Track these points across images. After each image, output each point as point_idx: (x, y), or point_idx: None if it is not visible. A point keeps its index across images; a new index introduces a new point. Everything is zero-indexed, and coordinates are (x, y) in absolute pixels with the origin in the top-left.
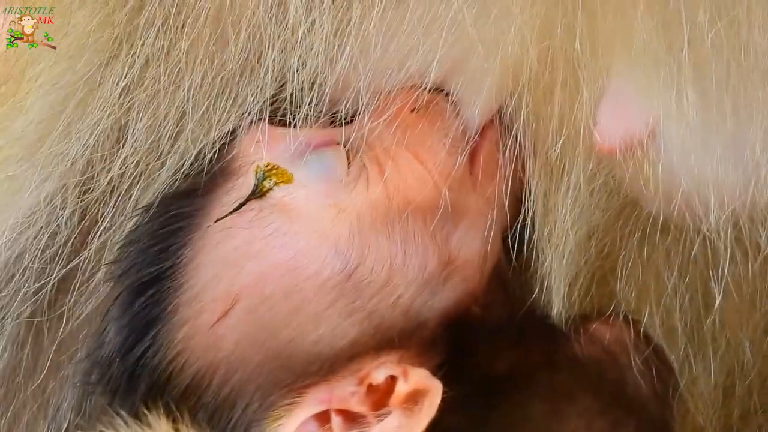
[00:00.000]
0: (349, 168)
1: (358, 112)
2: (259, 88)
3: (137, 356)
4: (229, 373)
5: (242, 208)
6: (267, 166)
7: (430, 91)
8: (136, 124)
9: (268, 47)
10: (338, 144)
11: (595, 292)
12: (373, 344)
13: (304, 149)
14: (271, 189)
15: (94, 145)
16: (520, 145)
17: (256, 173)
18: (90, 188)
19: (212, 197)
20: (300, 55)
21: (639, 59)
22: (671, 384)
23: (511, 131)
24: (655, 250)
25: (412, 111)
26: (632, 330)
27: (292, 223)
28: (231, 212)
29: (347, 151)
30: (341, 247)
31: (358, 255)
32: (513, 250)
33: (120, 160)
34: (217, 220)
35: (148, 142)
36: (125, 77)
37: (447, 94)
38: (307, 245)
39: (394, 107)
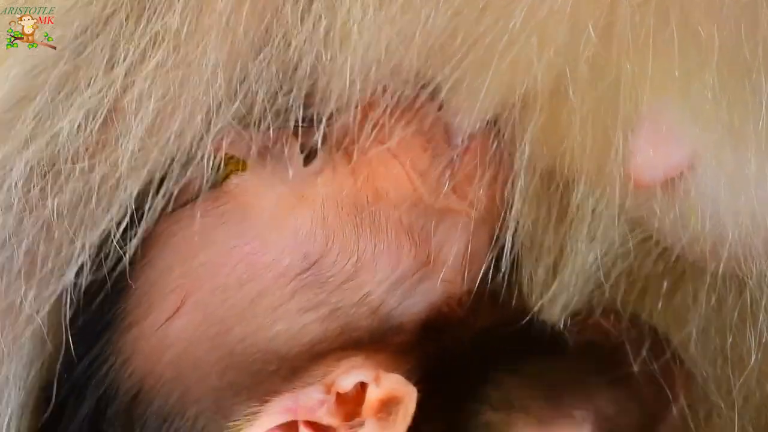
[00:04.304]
0: (315, 158)
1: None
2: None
3: (84, 369)
4: (179, 374)
5: (198, 199)
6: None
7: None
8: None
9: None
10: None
11: None
12: (338, 345)
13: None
14: (227, 177)
15: None
16: (511, 163)
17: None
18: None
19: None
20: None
21: (683, 82)
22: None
23: (503, 146)
24: (679, 291)
25: (399, 117)
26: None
27: (247, 209)
28: (184, 204)
29: (316, 142)
30: (301, 236)
31: (321, 245)
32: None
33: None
34: (170, 212)
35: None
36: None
37: (434, 95)
38: (265, 233)
39: (371, 107)
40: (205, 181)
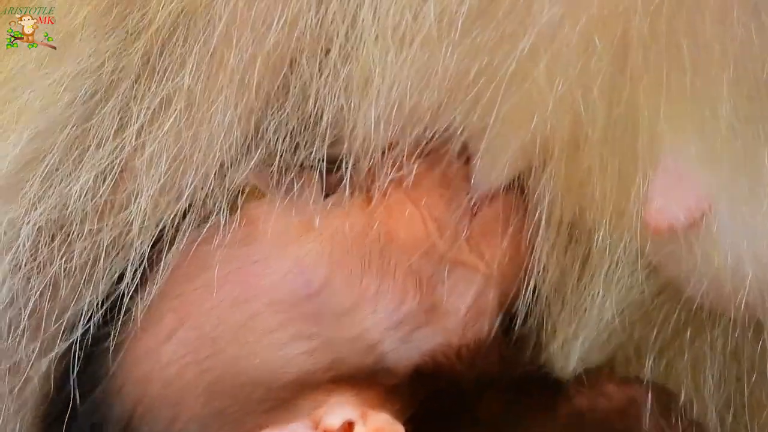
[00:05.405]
0: (333, 193)
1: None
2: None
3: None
4: (168, 400)
5: (210, 224)
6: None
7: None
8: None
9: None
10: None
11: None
12: (327, 378)
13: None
14: (242, 202)
15: None
16: (535, 220)
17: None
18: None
19: None
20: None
21: (699, 127)
22: None
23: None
24: (698, 336)
25: (417, 157)
26: (650, 392)
27: (256, 234)
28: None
29: (337, 178)
30: (305, 265)
31: (324, 277)
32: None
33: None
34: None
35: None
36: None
37: (454, 141)
38: (268, 257)
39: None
40: (218, 211)
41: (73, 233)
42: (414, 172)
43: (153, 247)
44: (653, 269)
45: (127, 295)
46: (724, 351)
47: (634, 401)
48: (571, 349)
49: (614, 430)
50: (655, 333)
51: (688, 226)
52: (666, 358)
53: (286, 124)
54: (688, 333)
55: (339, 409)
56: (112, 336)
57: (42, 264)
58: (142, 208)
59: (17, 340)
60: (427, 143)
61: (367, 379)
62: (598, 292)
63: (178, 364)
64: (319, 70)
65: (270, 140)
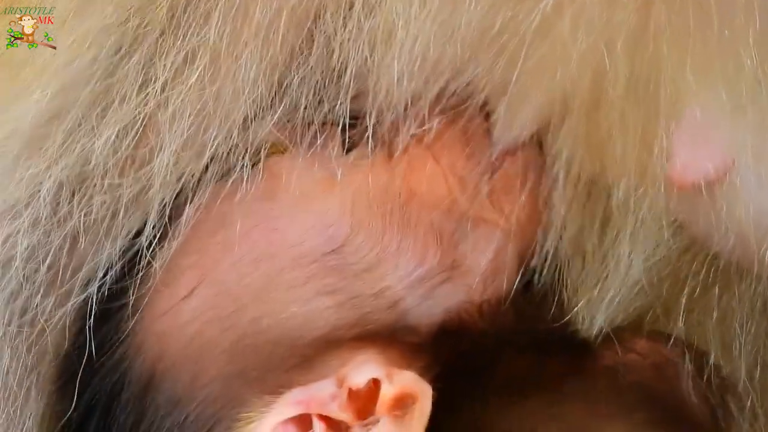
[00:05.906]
0: (356, 148)
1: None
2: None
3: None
4: (190, 357)
5: (233, 176)
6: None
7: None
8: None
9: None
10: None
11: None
12: (352, 335)
13: None
14: (264, 157)
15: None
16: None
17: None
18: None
19: None
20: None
21: (725, 79)
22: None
23: (545, 157)
24: (726, 292)
25: (439, 112)
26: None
27: (278, 189)
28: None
29: (359, 132)
30: (328, 220)
31: (346, 232)
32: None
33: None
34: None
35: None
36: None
37: (476, 97)
38: (291, 212)
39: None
40: (241, 166)
41: (93, 188)
42: (435, 127)
43: (174, 202)
44: (678, 226)
45: (147, 250)
46: (752, 307)
47: (670, 361)
48: (596, 309)
49: (653, 394)
50: (682, 291)
51: (713, 180)
52: (694, 317)
53: (310, 79)
54: (716, 290)
55: (364, 367)
56: (131, 292)
57: (62, 218)
58: (164, 164)
59: (35, 294)
60: (448, 98)
61: (391, 337)
62: (624, 251)
63: (199, 320)
64: (343, 23)
65: (294, 95)
